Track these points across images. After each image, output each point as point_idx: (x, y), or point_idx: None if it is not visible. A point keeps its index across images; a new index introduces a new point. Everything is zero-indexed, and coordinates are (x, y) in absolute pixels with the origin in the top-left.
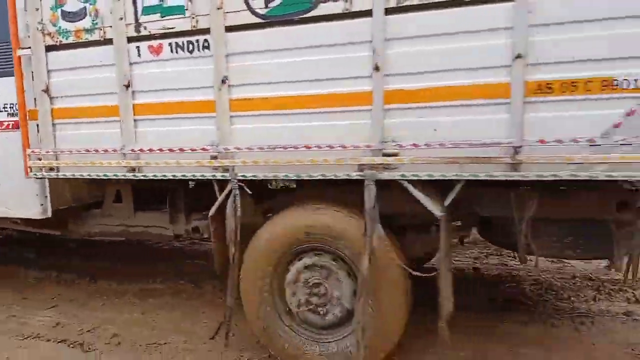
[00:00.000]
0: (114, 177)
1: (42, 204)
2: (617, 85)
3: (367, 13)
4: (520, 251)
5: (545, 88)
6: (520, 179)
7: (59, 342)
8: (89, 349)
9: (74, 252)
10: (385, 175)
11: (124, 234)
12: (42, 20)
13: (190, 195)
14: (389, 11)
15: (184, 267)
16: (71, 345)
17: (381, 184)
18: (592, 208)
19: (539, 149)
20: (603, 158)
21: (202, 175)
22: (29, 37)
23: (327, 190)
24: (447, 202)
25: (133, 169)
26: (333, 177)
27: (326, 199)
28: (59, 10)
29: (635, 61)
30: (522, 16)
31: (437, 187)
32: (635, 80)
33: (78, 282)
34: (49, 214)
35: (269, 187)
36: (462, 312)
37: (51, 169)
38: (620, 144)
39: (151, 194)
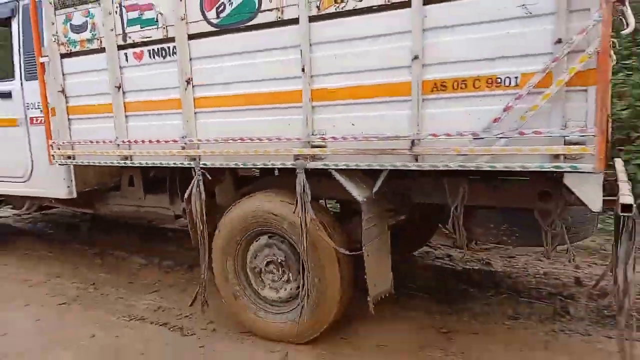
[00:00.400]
0: (112, 164)
1: (68, 186)
2: (500, 82)
3: (295, 21)
4: (457, 236)
5: (440, 86)
6: (417, 168)
7: (160, 325)
8: (187, 333)
9: (172, 240)
10: (312, 164)
11: (137, 214)
12: (56, 32)
13: (184, 180)
14: (311, 19)
15: None
16: (171, 329)
17: (323, 173)
18: (518, 197)
19: (433, 142)
20: (484, 150)
21: (175, 164)
22: (47, 46)
23: (283, 179)
24: (375, 189)
25: (126, 158)
26: (271, 167)
27: (281, 186)
28: (68, 24)
29: (515, 60)
30: (418, 21)
31: (371, 176)
32: (516, 77)
33: (177, 269)
34: (74, 195)
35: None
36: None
37: (68, 157)
38: (499, 137)
39: (158, 179)
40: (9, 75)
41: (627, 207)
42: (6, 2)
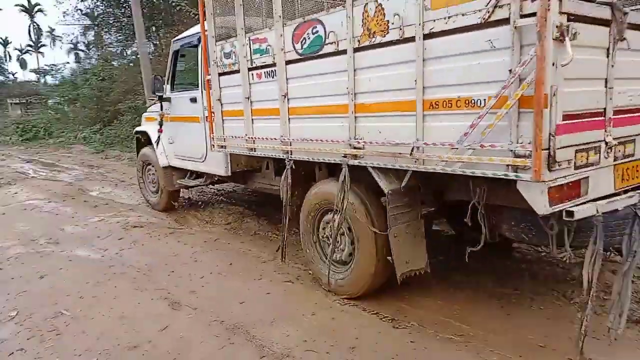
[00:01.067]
0: (242, 153)
1: (225, 167)
2: (474, 103)
3: (343, 52)
4: (485, 232)
5: (434, 105)
6: (416, 169)
7: (373, 313)
8: (398, 326)
9: None
10: (352, 161)
11: (270, 190)
12: (216, 58)
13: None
14: (355, 50)
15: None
16: (383, 319)
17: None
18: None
19: (427, 149)
20: (457, 158)
21: (277, 155)
22: (211, 67)
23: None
24: (403, 184)
25: (251, 149)
26: (327, 161)
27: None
28: (222, 52)
29: (484, 85)
30: (419, 52)
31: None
32: (484, 99)
33: None
34: (229, 173)
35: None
36: None
37: (222, 147)
38: (467, 148)
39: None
40: (196, 86)
41: (569, 213)
42: (195, 34)
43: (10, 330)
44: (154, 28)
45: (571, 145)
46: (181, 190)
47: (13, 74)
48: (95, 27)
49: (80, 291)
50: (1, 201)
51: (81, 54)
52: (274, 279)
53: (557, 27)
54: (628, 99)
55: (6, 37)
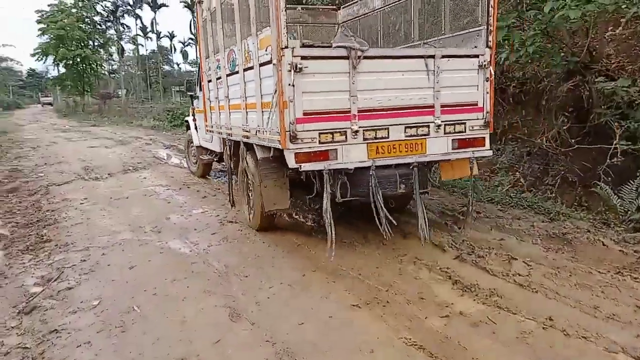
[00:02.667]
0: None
1: (220, 146)
2: (266, 105)
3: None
4: (316, 185)
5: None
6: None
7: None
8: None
9: None
10: (244, 140)
11: (226, 163)
12: (204, 70)
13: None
14: (244, 70)
15: None
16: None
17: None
18: None
19: (252, 131)
20: (268, 136)
21: (225, 137)
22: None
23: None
24: (271, 154)
25: (228, 135)
26: (238, 140)
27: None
28: (207, 66)
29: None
30: (257, 73)
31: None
32: (267, 103)
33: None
34: (222, 150)
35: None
36: None
37: (210, 131)
38: (265, 131)
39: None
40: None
41: (299, 167)
42: None
43: (87, 320)
44: None
45: (313, 130)
46: (212, 163)
47: (177, 65)
48: None
49: (157, 287)
50: (131, 185)
51: None
52: (341, 300)
53: (289, 64)
54: (377, 103)
55: (172, 31)
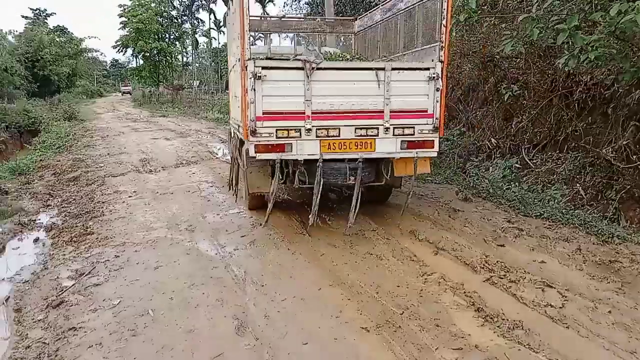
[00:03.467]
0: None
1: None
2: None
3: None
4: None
5: None
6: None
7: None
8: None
9: None
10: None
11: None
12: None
13: None
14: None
15: None
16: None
17: None
18: None
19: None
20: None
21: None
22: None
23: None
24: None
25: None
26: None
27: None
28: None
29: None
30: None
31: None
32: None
33: None
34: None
35: None
36: None
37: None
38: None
39: None
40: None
41: (254, 156)
42: None
43: (103, 320)
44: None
45: (271, 127)
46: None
47: None
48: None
49: (175, 291)
50: (179, 180)
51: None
52: (351, 320)
53: (252, 72)
54: (330, 106)
55: None
